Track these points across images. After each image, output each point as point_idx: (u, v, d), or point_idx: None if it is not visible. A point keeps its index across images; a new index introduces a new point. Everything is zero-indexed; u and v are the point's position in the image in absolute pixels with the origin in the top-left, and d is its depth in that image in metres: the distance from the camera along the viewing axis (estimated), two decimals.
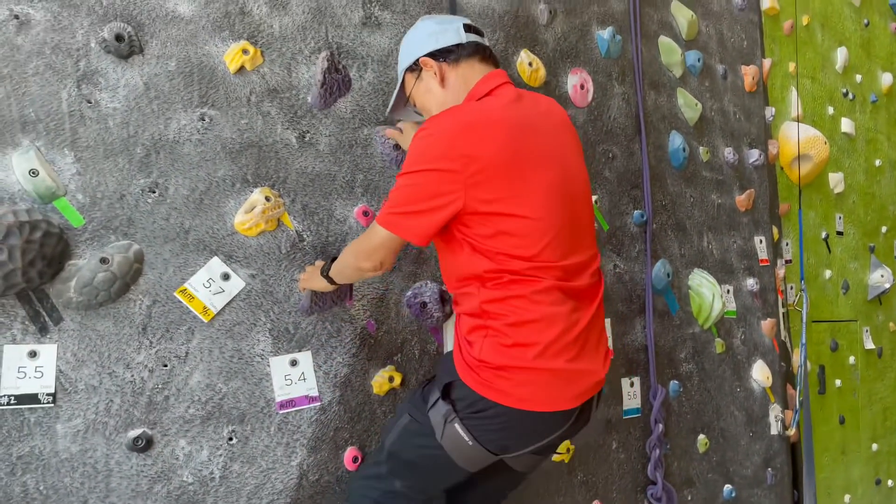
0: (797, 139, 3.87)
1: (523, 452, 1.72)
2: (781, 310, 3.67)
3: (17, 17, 1.82)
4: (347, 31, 2.21)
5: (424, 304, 2.17)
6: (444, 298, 2.20)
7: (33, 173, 1.76)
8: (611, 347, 1.91)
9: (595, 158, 2.71)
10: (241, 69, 2.06)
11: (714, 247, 3.21)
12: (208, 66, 2.02)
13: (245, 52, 2.06)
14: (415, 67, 1.85)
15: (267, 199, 2.01)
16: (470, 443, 1.65)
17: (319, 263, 1.98)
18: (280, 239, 2.03)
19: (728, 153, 3.36)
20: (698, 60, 3.24)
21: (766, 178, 3.62)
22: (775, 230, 3.71)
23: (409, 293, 2.20)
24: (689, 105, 3.15)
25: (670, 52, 3.09)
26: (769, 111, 3.80)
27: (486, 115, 1.64)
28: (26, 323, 1.73)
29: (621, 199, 2.79)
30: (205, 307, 1.91)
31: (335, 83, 2.16)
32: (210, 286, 1.92)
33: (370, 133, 2.22)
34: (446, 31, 1.81)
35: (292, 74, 2.12)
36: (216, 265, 1.94)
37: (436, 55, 1.81)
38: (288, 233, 2.05)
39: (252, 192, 2.02)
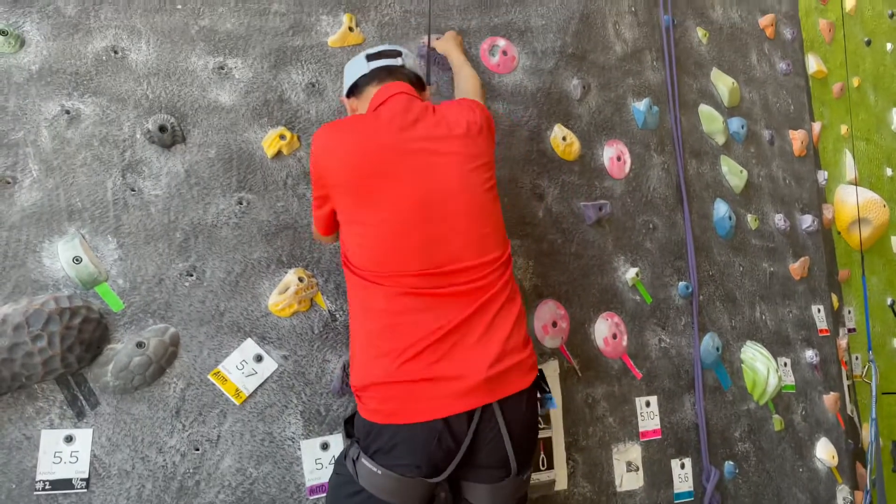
0: (856, 202, 3.73)
1: (441, 476, 1.65)
2: (846, 382, 3.47)
3: (67, 112, 1.93)
4: None
5: None
6: None
7: (77, 260, 1.83)
8: (531, 351, 1.77)
9: (635, 230, 2.66)
10: (279, 154, 2.12)
11: (768, 317, 3.08)
12: (247, 152, 2.09)
13: (282, 137, 2.12)
14: (342, 98, 2.06)
15: (300, 279, 2.03)
16: (379, 472, 1.63)
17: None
18: (313, 319, 2.05)
19: (779, 219, 3.26)
20: (742, 127, 3.19)
21: (821, 244, 3.48)
22: (835, 298, 3.54)
23: None
24: (733, 172, 3.08)
25: (711, 121, 3.06)
26: (822, 175, 3.69)
27: (351, 131, 1.77)
28: (64, 408, 1.77)
29: (664, 270, 2.72)
30: (237, 389, 1.92)
31: None
32: (243, 368, 1.94)
33: None
34: (353, 68, 1.97)
35: None
36: (250, 347, 1.96)
37: (348, 94, 1.98)
38: (321, 313, 2.06)
39: (286, 272, 2.05)
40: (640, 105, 2.76)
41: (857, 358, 3.71)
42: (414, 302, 1.66)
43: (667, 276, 2.72)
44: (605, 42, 2.71)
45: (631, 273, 2.58)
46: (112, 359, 1.81)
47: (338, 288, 2.09)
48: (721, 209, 2.97)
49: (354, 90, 1.95)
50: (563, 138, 2.50)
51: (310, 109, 2.19)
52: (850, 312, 3.77)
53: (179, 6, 2.11)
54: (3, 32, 1.91)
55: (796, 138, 3.51)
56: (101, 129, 1.96)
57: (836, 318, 3.50)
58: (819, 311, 3.35)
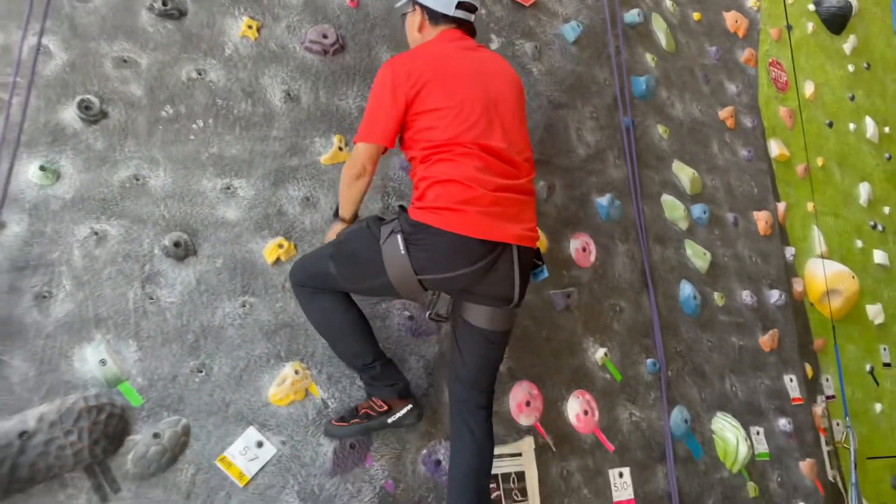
0: (823, 275, 3.98)
1: (438, 276, 2.05)
2: (826, 448, 3.63)
3: (96, 233, 2.26)
4: None
5: (439, 462, 2.38)
6: None
7: (103, 363, 2.13)
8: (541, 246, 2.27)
9: (603, 313, 2.93)
10: (277, 261, 2.43)
11: (738, 389, 3.29)
12: (249, 260, 2.41)
13: (280, 246, 2.44)
14: (414, 4, 2.36)
15: (296, 371, 2.31)
16: (402, 251, 2.03)
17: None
18: (308, 407, 2.31)
19: (746, 296, 3.51)
20: (704, 212, 3.48)
21: (791, 316, 3.71)
22: (809, 367, 3.74)
23: (424, 451, 2.41)
24: (697, 255, 3.36)
25: (673, 209, 3.35)
26: (789, 251, 3.94)
27: (425, 48, 2.26)
28: (90, 494, 2.03)
29: (632, 349, 2.97)
30: (241, 473, 2.18)
31: None
32: (246, 453, 2.20)
33: (388, 307, 2.53)
34: (440, 1, 2.31)
35: None
36: (252, 434, 2.23)
37: (426, 9, 2.31)
38: (314, 401, 2.33)
39: (284, 366, 2.33)
40: (604, 200, 3.07)
41: (837, 424, 3.87)
42: (475, 162, 2.06)
43: (635, 355, 2.97)
44: (568, 147, 3.05)
45: (600, 353, 2.83)
46: (132, 448, 2.08)
47: (330, 378, 2.37)
48: (686, 289, 3.23)
49: (431, 16, 2.31)
50: None
51: (304, 220, 2.52)
52: (828, 380, 3.95)
53: (192, 137, 2.47)
54: (43, 168, 2.27)
55: (760, 219, 3.79)
56: (124, 246, 2.28)
57: (811, 386, 3.69)
58: (791, 380, 3.55)
